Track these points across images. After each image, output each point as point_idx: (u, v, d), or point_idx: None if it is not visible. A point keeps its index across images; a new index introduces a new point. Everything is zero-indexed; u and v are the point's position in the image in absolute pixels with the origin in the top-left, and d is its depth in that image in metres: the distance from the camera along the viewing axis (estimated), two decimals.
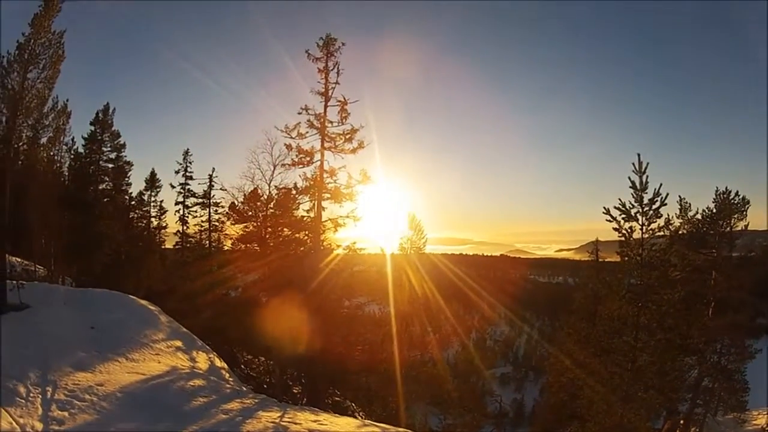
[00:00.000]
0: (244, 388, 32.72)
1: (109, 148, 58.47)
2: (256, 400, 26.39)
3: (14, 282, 34.75)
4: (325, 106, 40.83)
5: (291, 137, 41.38)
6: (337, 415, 28.76)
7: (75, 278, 54.98)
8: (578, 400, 38.28)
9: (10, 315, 31.70)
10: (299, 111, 40.81)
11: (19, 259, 49.11)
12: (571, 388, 42.30)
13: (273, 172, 42.35)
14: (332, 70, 40.68)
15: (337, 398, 46.08)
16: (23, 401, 21.09)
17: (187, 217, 61.67)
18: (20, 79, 34.06)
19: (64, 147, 55.08)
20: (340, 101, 40.68)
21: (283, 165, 42.22)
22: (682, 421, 42.20)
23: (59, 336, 28.95)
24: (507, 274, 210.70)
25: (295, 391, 45.87)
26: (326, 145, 40.76)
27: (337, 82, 40.63)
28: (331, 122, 40.76)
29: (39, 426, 19.61)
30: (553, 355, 54.55)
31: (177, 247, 62.67)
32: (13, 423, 19.33)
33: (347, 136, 40.36)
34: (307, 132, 40.66)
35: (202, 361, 33.58)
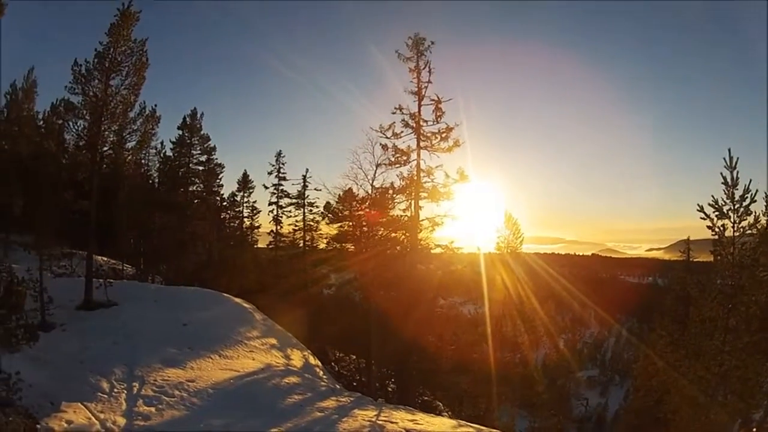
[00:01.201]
0: (338, 386, 31.52)
1: (198, 151, 58.21)
2: (352, 399, 25.18)
3: (101, 280, 34.40)
4: (419, 105, 39.31)
5: (386, 137, 39.96)
6: (432, 414, 27.18)
7: (165, 277, 54.41)
8: (664, 405, 35.67)
9: (97, 312, 31.48)
10: (393, 111, 39.46)
11: (105, 258, 48.93)
12: (657, 393, 39.80)
13: (375, 172, 40.36)
14: (423, 69, 39.14)
15: (426, 398, 44.11)
16: (105, 396, 20.31)
17: (281, 217, 59.96)
18: (102, 86, 33.98)
19: (153, 151, 56.07)
20: (433, 100, 38.96)
21: (380, 165, 40.03)
22: (755, 429, 39.10)
23: (148, 333, 28.23)
24: (597, 274, 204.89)
25: (380, 388, 43.72)
26: (422, 144, 39.21)
27: (429, 81, 39.04)
28: (426, 121, 39.21)
29: (121, 421, 18.70)
30: (641, 357, 51.50)
31: (270, 246, 61.33)
32: (92, 418, 18.49)
33: (443, 135, 38.63)
34: (402, 131, 39.29)
35: (297, 358, 32.41)
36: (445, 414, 40.64)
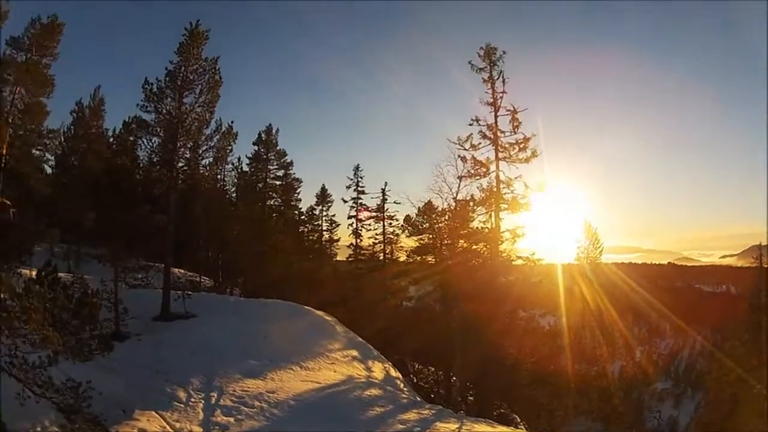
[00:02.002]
0: (419, 399, 30.62)
1: (275, 166, 57.79)
2: (433, 411, 24.26)
3: (179, 292, 34.28)
4: (495, 116, 37.77)
5: (464, 149, 38.51)
6: (510, 427, 26.82)
7: (243, 289, 54.02)
8: (735, 417, 33.59)
9: (175, 323, 31.34)
10: (470, 122, 38.07)
11: (182, 271, 49.07)
12: (728, 404, 37.59)
13: (459, 185, 38.91)
14: (497, 79, 37.51)
15: (503, 410, 42.20)
16: (181, 405, 20.10)
17: (360, 230, 58.27)
18: (176, 104, 34.14)
19: (230, 166, 55.56)
20: (509, 110, 37.38)
21: (459, 177, 38.58)
22: None
23: (228, 344, 27.80)
24: (673, 283, 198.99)
25: (461, 400, 42.39)
26: (500, 155, 37.65)
27: (504, 91, 37.48)
28: (503, 132, 37.58)
29: (198, 430, 18.55)
30: (714, 368, 49.04)
31: (350, 259, 59.08)
32: (167, 427, 18.34)
33: (520, 145, 37.05)
34: (480, 143, 37.88)
35: (378, 370, 31.63)
36: (522, 427, 38.57)
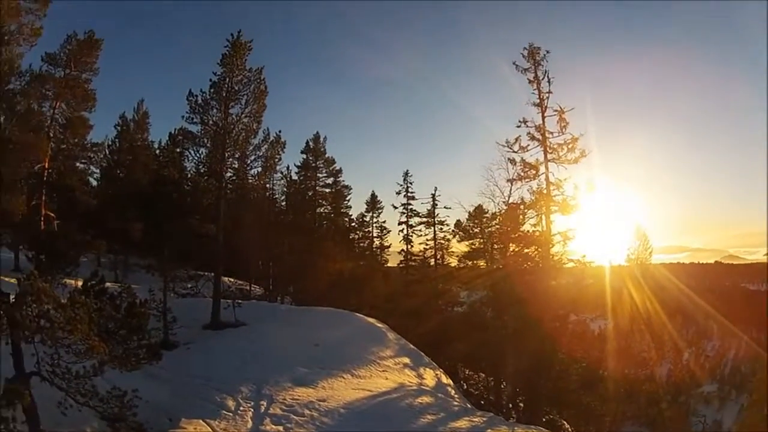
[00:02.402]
0: (469, 405, 29.36)
1: (324, 174, 57.74)
2: (485, 419, 23.18)
3: (229, 301, 34.10)
4: (543, 117, 36.81)
5: (514, 151, 37.55)
6: None
7: (294, 297, 53.74)
8: None
9: (225, 331, 31.11)
10: (518, 124, 37.18)
11: (232, 279, 48.82)
12: None
13: (511, 188, 38.06)
14: (543, 79, 36.69)
15: (551, 416, 41.01)
16: (230, 414, 19.73)
17: (411, 236, 57.25)
18: (222, 114, 34.05)
19: (278, 175, 54.74)
20: (556, 110, 36.39)
21: (510, 180, 37.69)
22: None
23: (278, 352, 27.31)
24: (720, 283, 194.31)
25: (511, 407, 41.61)
26: (549, 156, 36.66)
27: (549, 91, 36.65)
28: (551, 133, 36.62)
29: None
30: (758, 369, 47.71)
31: (401, 265, 58.68)
32: None
33: (569, 146, 35.97)
34: (528, 145, 37.03)
35: (429, 377, 30.16)
36: None
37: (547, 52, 36.18)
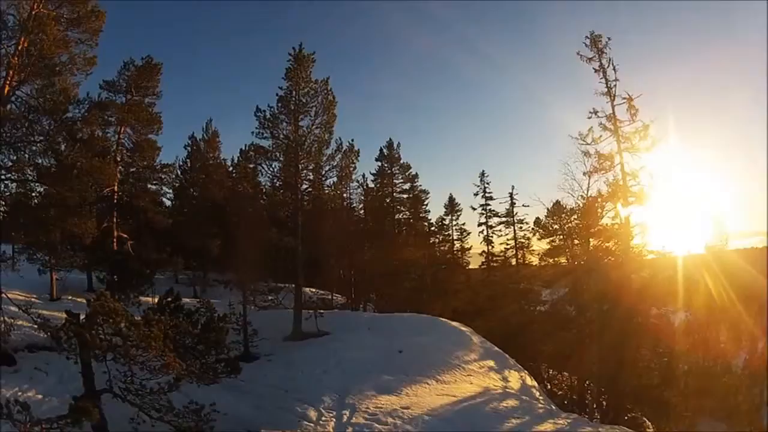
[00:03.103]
0: (553, 407, 28.18)
1: (401, 180, 56.92)
2: (569, 420, 22.84)
3: (311, 311, 33.34)
4: (612, 106, 35.39)
5: (587, 143, 36.21)
6: None
7: (376, 304, 53.70)
8: None
9: (306, 342, 30.57)
10: (589, 115, 35.73)
11: (313, 290, 48.11)
12: None
13: (589, 182, 36.75)
14: (608, 67, 35.26)
15: (633, 414, 39.35)
16: (311, 425, 19.39)
17: (492, 236, 56.14)
18: (292, 127, 33.83)
19: (355, 183, 53.24)
20: (625, 98, 34.90)
21: (587, 173, 36.40)
22: None
23: (361, 361, 26.61)
24: None
25: (595, 407, 40.03)
26: (623, 146, 35.23)
27: (616, 79, 35.29)
28: (622, 121, 35.07)
29: None
30: None
31: (483, 267, 57.71)
32: None
33: (641, 134, 34.43)
34: (601, 135, 35.54)
35: (514, 380, 29.38)
36: (650, 430, 37.33)
37: (609, 39, 34.97)
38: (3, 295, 24.31)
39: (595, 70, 34.77)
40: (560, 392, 42.49)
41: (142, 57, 39.31)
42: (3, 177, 25.54)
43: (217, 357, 18.13)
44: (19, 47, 24.52)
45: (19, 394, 19.87)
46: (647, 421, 37.65)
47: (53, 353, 23.87)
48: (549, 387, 41.47)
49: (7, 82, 24.33)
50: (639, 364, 35.79)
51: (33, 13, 24.70)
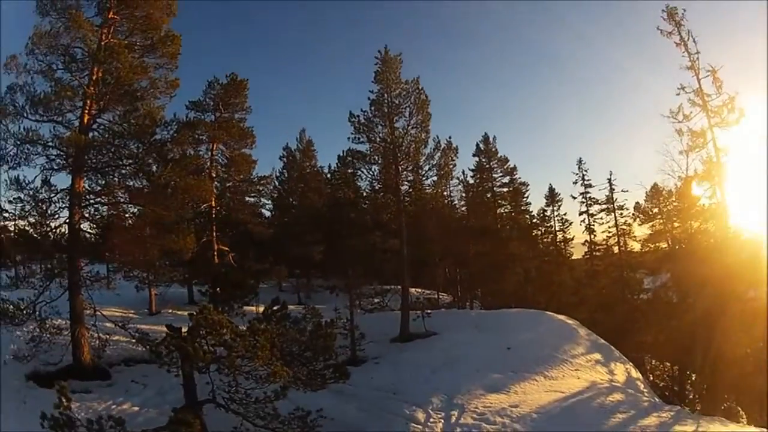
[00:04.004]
0: (657, 400, 27.11)
1: (500, 174, 54.79)
2: (672, 413, 21.85)
3: (418, 312, 32.63)
4: (698, 80, 33.47)
5: (678, 121, 34.32)
6: (740, 425, 25.24)
7: (481, 301, 53.30)
8: None
9: (414, 343, 30.13)
10: (677, 92, 33.82)
11: (419, 290, 47.63)
12: None
13: (687, 161, 35.47)
14: (687, 40, 33.52)
15: (729, 404, 37.65)
16: (419, 427, 19.08)
17: (593, 225, 53.96)
18: (388, 130, 33.56)
19: (455, 181, 53.47)
20: (709, 71, 33.04)
21: (683, 153, 35.05)
22: None
23: (470, 359, 25.98)
24: None
25: (697, 398, 38.89)
26: (713, 121, 33.17)
27: (698, 52, 33.31)
28: (709, 95, 33.00)
29: None
30: None
31: (586, 256, 55.47)
32: None
33: (728, 107, 32.44)
34: (690, 112, 33.61)
35: (620, 373, 28.52)
36: (743, 420, 34.13)
37: (684, 10, 33.07)
38: (98, 312, 24.87)
39: (676, 44, 33.42)
40: (662, 383, 41.13)
41: (226, 75, 39.66)
42: (92, 201, 26.15)
43: (325, 363, 18.04)
44: (94, 77, 24.99)
45: (113, 407, 20.64)
46: (741, 411, 36.15)
47: (151, 366, 24.43)
48: (651, 378, 39.87)
49: (86, 111, 24.85)
50: (737, 352, 33.77)
51: (102, 44, 25.24)
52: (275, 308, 17.60)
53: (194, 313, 15.57)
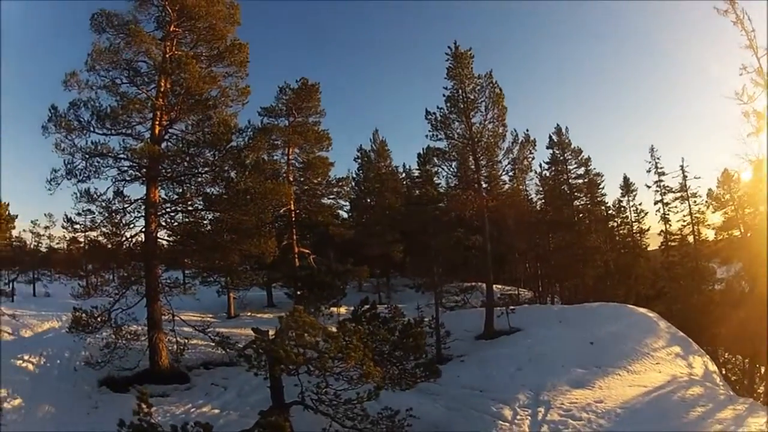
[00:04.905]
0: (731, 393, 26.89)
1: (574, 165, 54.22)
2: (746, 406, 21.57)
3: (501, 308, 32.59)
4: (757, 58, 32.20)
5: (743, 102, 33.08)
6: None
7: (561, 296, 52.89)
8: None
9: (499, 340, 29.88)
10: (740, 71, 32.71)
11: (499, 286, 47.26)
12: None
13: (759, 144, 34.85)
14: (743, 18, 32.17)
15: None
16: (507, 425, 19.08)
17: (668, 214, 52.57)
18: (465, 126, 33.41)
19: (532, 174, 50.94)
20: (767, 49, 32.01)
21: (750, 134, 34.45)
22: None
23: (554, 355, 25.90)
24: None
25: (760, 389, 38.53)
26: None
27: (753, 30, 32.08)
28: None
29: None
30: None
31: (661, 247, 54.31)
32: None
33: None
34: (753, 93, 32.64)
35: (698, 366, 28.10)
36: None
37: None
38: (176, 318, 25.57)
39: (733, 23, 32.82)
40: (735, 377, 40.46)
41: (296, 80, 40.62)
42: (168, 210, 26.91)
43: (416, 362, 18.07)
44: (162, 89, 25.73)
45: (193, 410, 21.00)
46: None
47: (231, 368, 25.10)
48: (723, 372, 39.27)
49: (157, 123, 25.59)
50: None
51: (168, 56, 25.95)
52: (365, 308, 17.77)
53: (283, 315, 15.66)
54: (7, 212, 24.29)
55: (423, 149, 45.89)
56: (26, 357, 25.24)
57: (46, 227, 69.50)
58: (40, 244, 69.14)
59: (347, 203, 53.30)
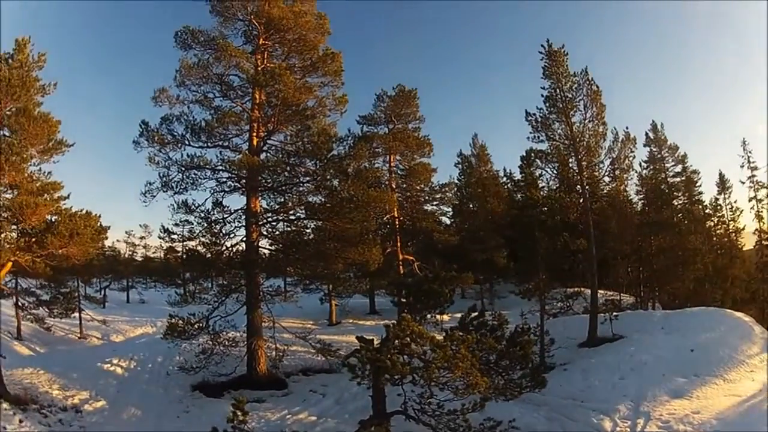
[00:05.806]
0: None
1: (671, 163, 53.42)
2: None
3: (605, 314, 31.60)
4: None
5: None
6: None
7: (660, 300, 49.57)
8: None
9: (602, 347, 28.81)
10: None
11: (601, 291, 43.94)
12: None
13: None
14: None
15: None
16: None
17: (761, 211, 50.12)
18: (565, 126, 32.40)
19: (632, 173, 50.64)
20: None
21: None
22: None
23: (656, 363, 24.99)
24: None
25: None
26: None
27: None
28: None
29: None
30: None
31: (756, 246, 51.12)
32: None
33: None
34: None
35: None
36: None
37: None
38: (276, 325, 26.16)
39: None
40: None
41: (393, 87, 41.18)
42: (270, 219, 27.72)
43: (523, 372, 17.67)
44: (257, 101, 26.52)
45: (288, 416, 21.24)
46: None
47: (331, 375, 25.64)
48: None
49: (254, 134, 26.47)
50: None
51: (260, 68, 26.61)
52: (473, 316, 17.58)
53: (390, 324, 15.84)
54: (98, 223, 25.26)
55: (525, 152, 45.99)
56: (115, 361, 26.43)
57: (142, 237, 72.83)
58: (135, 254, 72.07)
59: (450, 209, 52.54)
